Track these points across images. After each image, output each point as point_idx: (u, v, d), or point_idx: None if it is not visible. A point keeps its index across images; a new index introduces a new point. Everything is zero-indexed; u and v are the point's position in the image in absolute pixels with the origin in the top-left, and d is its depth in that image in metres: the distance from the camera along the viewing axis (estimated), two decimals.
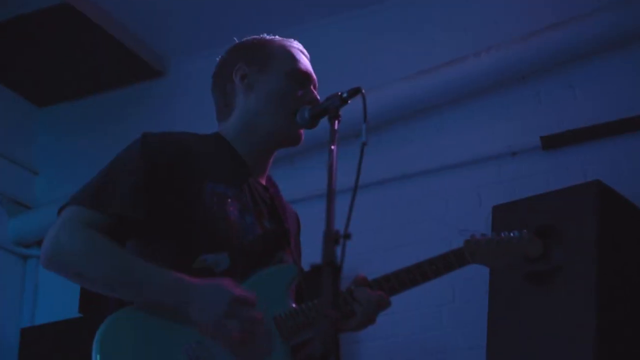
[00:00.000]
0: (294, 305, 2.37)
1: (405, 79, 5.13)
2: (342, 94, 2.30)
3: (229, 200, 2.39)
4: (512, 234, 2.59)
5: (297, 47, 2.63)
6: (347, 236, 1.75)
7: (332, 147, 2.05)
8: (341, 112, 2.29)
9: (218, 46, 5.98)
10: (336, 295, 1.67)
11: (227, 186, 2.41)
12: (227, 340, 2.20)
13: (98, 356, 2.17)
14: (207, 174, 2.40)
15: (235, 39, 2.69)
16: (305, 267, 2.76)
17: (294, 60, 2.57)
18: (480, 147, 4.97)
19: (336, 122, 2.22)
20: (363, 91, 2.27)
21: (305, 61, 2.60)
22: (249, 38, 2.65)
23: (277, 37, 2.64)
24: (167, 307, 2.22)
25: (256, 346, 2.23)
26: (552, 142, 4.78)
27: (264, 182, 2.57)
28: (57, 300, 5.90)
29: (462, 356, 4.67)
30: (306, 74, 2.57)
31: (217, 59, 2.66)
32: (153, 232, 2.34)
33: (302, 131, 2.54)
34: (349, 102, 2.29)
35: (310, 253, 2.71)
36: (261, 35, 2.65)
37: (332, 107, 2.28)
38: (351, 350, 4.87)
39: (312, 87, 2.57)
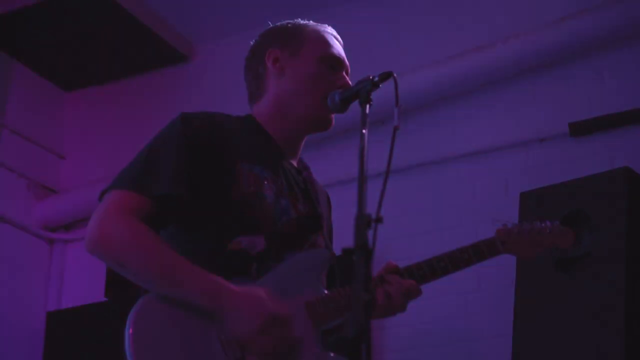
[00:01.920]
0: (325, 291, 2.37)
1: (432, 65, 5.12)
2: (373, 77, 2.28)
3: (265, 182, 2.39)
4: (543, 224, 2.59)
5: (330, 32, 2.63)
6: (379, 219, 1.75)
7: (364, 131, 2.03)
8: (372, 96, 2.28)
9: (243, 31, 5.99)
10: (368, 278, 1.66)
11: (263, 168, 2.41)
12: (257, 353, 2.20)
13: (131, 330, 2.17)
14: (244, 155, 2.40)
15: (270, 22, 2.68)
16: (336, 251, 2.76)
17: (326, 44, 2.57)
18: (508, 133, 4.95)
19: (367, 106, 2.20)
20: (395, 75, 2.26)
21: (338, 46, 2.60)
22: (282, 22, 2.64)
23: (310, 21, 2.64)
24: (201, 309, 2.22)
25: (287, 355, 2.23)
26: (580, 129, 4.75)
27: (296, 164, 2.58)
28: (83, 284, 5.94)
29: (487, 344, 4.66)
30: (338, 59, 2.57)
31: (251, 42, 2.66)
32: (190, 214, 2.33)
33: (333, 116, 2.54)
34: (380, 86, 2.28)
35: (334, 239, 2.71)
36: (294, 20, 2.64)
37: (363, 91, 2.26)
38: (376, 336, 4.87)
39: (344, 72, 2.57)
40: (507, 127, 4.98)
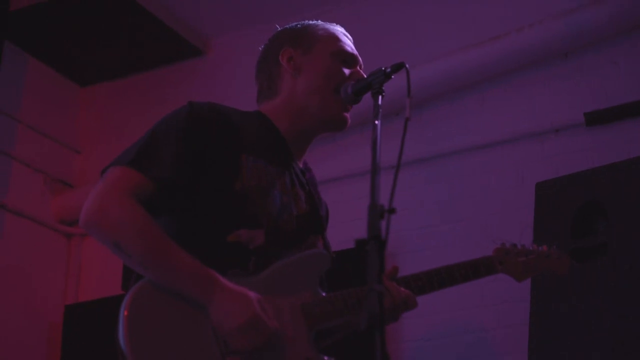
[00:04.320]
0: (323, 293, 2.36)
1: (447, 55, 5.11)
2: (385, 69, 2.28)
3: (269, 177, 2.39)
4: (540, 249, 2.65)
5: (340, 30, 2.64)
6: (391, 210, 1.75)
7: (376, 122, 2.04)
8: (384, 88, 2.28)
9: (259, 24, 5.98)
10: (381, 269, 1.67)
11: (267, 163, 2.41)
12: (236, 350, 2.19)
13: (125, 312, 2.15)
14: (249, 148, 2.39)
15: (277, 26, 2.69)
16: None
17: (338, 40, 2.58)
18: (523, 123, 4.94)
19: (380, 97, 2.20)
20: (407, 66, 2.26)
21: (349, 42, 2.61)
22: (291, 24, 2.65)
23: (319, 21, 2.65)
24: (189, 298, 2.20)
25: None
26: (595, 118, 4.73)
27: (301, 165, 2.58)
28: (101, 277, 5.97)
29: (503, 334, 4.65)
30: (351, 55, 2.58)
31: (260, 48, 2.67)
32: (190, 203, 2.32)
33: (348, 115, 2.54)
34: (392, 77, 2.28)
35: (338, 231, 2.70)
36: (303, 20, 2.66)
37: (375, 83, 2.26)
38: (391, 327, 4.88)
39: (358, 67, 2.58)
40: (522, 118, 4.97)
